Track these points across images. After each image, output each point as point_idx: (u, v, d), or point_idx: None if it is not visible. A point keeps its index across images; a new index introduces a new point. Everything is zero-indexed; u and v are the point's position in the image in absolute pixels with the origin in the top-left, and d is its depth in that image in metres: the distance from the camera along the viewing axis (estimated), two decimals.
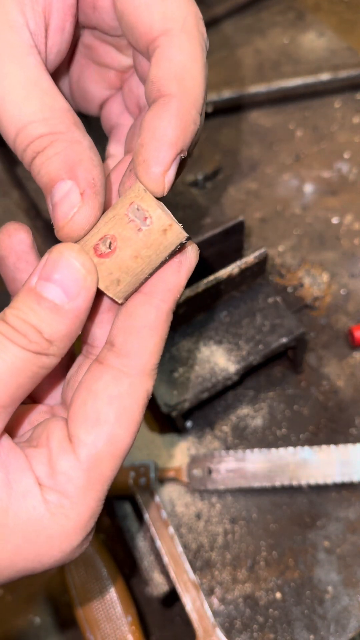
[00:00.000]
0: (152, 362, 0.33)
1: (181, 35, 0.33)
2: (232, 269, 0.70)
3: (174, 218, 0.32)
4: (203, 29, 0.34)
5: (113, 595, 0.66)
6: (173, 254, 0.32)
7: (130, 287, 0.32)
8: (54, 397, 0.40)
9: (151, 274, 0.33)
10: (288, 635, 0.65)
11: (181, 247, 0.33)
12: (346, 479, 0.71)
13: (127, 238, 0.31)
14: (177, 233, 0.31)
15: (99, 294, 0.34)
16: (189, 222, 0.74)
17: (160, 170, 0.32)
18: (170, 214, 0.33)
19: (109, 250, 0.31)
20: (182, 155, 0.33)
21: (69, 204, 0.32)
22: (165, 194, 0.33)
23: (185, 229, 0.33)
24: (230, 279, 0.71)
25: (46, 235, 0.90)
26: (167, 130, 0.31)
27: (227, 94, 1.01)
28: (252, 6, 1.18)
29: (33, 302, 0.30)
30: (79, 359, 0.38)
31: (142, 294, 0.33)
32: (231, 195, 0.95)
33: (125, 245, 0.31)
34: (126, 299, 0.33)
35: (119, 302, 0.33)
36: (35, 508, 0.30)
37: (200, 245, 0.69)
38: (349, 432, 0.75)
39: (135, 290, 0.33)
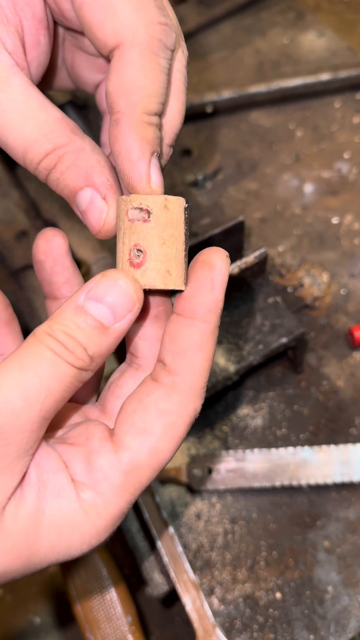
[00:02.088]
0: (201, 380, 0.34)
1: (132, 49, 0.35)
2: (232, 269, 0.70)
3: (165, 194, 0.35)
4: (161, 34, 0.36)
5: (113, 595, 0.66)
6: (188, 222, 0.35)
7: (179, 269, 0.34)
8: (84, 397, 0.42)
9: (186, 249, 0.35)
10: (288, 635, 0.65)
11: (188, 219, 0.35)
12: (346, 479, 0.71)
13: (146, 235, 0.33)
14: (175, 201, 0.34)
15: (144, 308, 0.36)
16: (189, 222, 0.74)
17: (144, 184, 0.35)
18: (160, 194, 0.35)
19: (142, 255, 0.34)
20: (156, 153, 0.35)
21: (98, 210, 0.36)
22: (160, 193, 0.35)
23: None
24: (230, 279, 0.71)
25: None
26: (130, 149, 0.35)
27: (227, 94, 1.01)
28: (252, 6, 1.17)
29: (81, 320, 0.32)
30: (122, 366, 0.40)
31: (184, 317, 0.34)
32: (231, 195, 0.95)
33: (149, 242, 0.33)
34: (185, 283, 0.35)
35: (183, 288, 0.34)
36: (69, 506, 0.32)
37: (200, 245, 0.69)
38: (349, 432, 0.75)
39: (185, 269, 0.35)
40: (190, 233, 0.71)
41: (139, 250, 0.34)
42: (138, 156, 0.35)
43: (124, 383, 0.39)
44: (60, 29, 0.43)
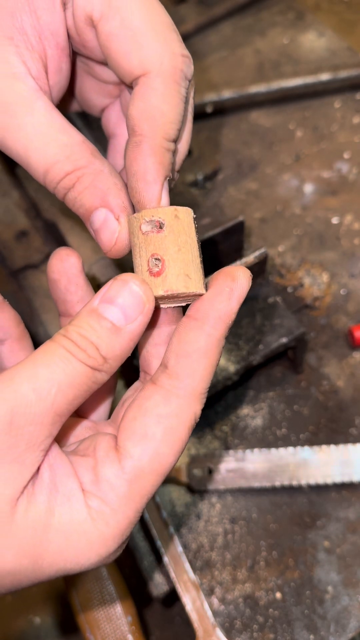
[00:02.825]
0: (201, 385, 0.35)
1: (157, 78, 0.38)
2: None
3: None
4: (182, 65, 0.39)
5: (113, 595, 0.66)
6: (197, 230, 0.37)
7: (198, 273, 0.36)
8: (97, 413, 0.43)
9: (201, 255, 0.37)
10: (288, 635, 0.65)
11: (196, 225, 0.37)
12: (346, 479, 0.71)
13: (161, 244, 0.35)
14: (184, 211, 0.36)
15: (157, 325, 0.38)
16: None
17: (154, 205, 0.37)
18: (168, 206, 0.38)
19: (161, 263, 0.35)
20: (168, 178, 0.38)
21: (110, 230, 0.38)
22: None
23: None
24: None
25: (46, 235, 0.90)
26: (147, 170, 0.37)
27: (227, 94, 1.01)
28: (252, 6, 1.17)
29: (94, 321, 0.33)
30: (136, 384, 0.41)
31: (194, 319, 0.35)
32: (231, 195, 0.95)
33: (166, 250, 0.35)
34: (206, 287, 0.36)
35: (203, 292, 0.36)
36: (78, 511, 0.32)
37: (201, 245, 0.69)
38: (349, 432, 0.75)
39: (203, 275, 0.36)
40: None
41: (156, 259, 0.35)
42: (153, 178, 0.37)
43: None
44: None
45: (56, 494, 0.32)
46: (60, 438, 0.39)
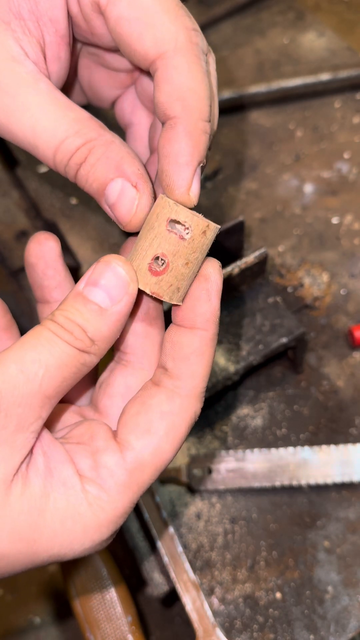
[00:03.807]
0: (201, 385, 0.35)
1: (176, 55, 0.36)
2: (232, 269, 0.70)
3: (204, 217, 0.35)
4: (197, 38, 0.37)
5: (113, 595, 0.66)
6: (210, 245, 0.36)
7: (186, 288, 0.36)
8: (83, 399, 0.43)
9: (199, 269, 0.36)
10: (288, 635, 0.65)
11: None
12: (346, 479, 0.71)
13: (176, 251, 0.34)
14: (214, 229, 0.35)
15: (136, 304, 0.37)
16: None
17: (183, 190, 0.35)
18: (200, 215, 0.36)
19: (163, 267, 0.34)
20: (202, 164, 0.36)
21: (129, 199, 0.36)
22: (195, 204, 0.36)
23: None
24: (230, 279, 0.71)
25: None
26: (180, 152, 0.35)
27: (227, 94, 1.01)
28: (252, 6, 1.17)
29: (80, 304, 0.33)
30: (111, 365, 0.41)
31: (183, 327, 0.35)
32: (231, 195, 0.95)
33: (176, 258, 0.34)
34: (184, 298, 0.36)
35: (181, 304, 0.36)
36: (75, 496, 0.32)
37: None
38: (349, 432, 0.75)
39: (190, 285, 0.36)
40: None
41: (163, 260, 0.34)
42: (186, 161, 0.35)
43: (114, 381, 0.40)
44: (77, 46, 0.44)
45: (51, 479, 0.32)
46: (50, 422, 0.39)
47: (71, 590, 0.68)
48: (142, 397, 0.35)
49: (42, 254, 0.40)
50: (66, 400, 0.42)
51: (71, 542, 0.33)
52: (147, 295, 0.37)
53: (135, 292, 0.34)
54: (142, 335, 0.39)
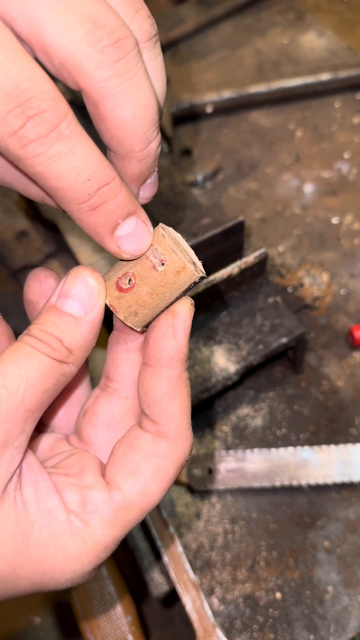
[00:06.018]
0: (183, 423, 0.35)
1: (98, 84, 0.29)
2: (232, 269, 0.70)
3: (194, 257, 0.35)
4: (101, 31, 0.28)
5: (113, 595, 0.66)
6: (188, 290, 0.35)
7: (147, 318, 0.35)
8: (69, 426, 0.42)
9: (168, 307, 0.35)
10: (288, 635, 0.65)
11: (197, 284, 0.35)
12: (346, 479, 0.71)
13: (145, 277, 0.34)
14: (190, 274, 0.34)
15: (122, 329, 0.37)
16: (189, 222, 0.74)
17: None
18: (191, 253, 0.36)
19: (129, 286, 0.35)
20: (150, 180, 0.34)
21: (143, 234, 0.34)
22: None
23: (186, 231, 0.34)
24: (230, 279, 0.71)
25: (46, 235, 0.90)
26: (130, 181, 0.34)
27: (227, 94, 1.01)
28: (252, 6, 1.17)
29: (54, 316, 0.34)
30: (96, 391, 0.41)
31: (150, 366, 0.35)
32: (231, 195, 0.95)
33: (143, 283, 0.34)
34: (145, 327, 0.36)
35: (138, 330, 0.36)
36: (58, 526, 0.33)
37: (200, 245, 0.69)
38: (349, 432, 0.75)
39: (154, 319, 0.36)
40: (190, 235, 0.71)
41: (131, 280, 0.35)
42: (134, 181, 0.34)
43: (99, 409, 0.40)
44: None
45: (38, 508, 0.33)
46: (37, 450, 0.40)
47: (71, 590, 0.68)
48: (129, 438, 0.36)
49: (43, 292, 0.40)
50: (50, 427, 0.42)
51: (53, 570, 0.33)
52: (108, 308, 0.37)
53: (104, 300, 0.35)
54: (123, 362, 0.39)
